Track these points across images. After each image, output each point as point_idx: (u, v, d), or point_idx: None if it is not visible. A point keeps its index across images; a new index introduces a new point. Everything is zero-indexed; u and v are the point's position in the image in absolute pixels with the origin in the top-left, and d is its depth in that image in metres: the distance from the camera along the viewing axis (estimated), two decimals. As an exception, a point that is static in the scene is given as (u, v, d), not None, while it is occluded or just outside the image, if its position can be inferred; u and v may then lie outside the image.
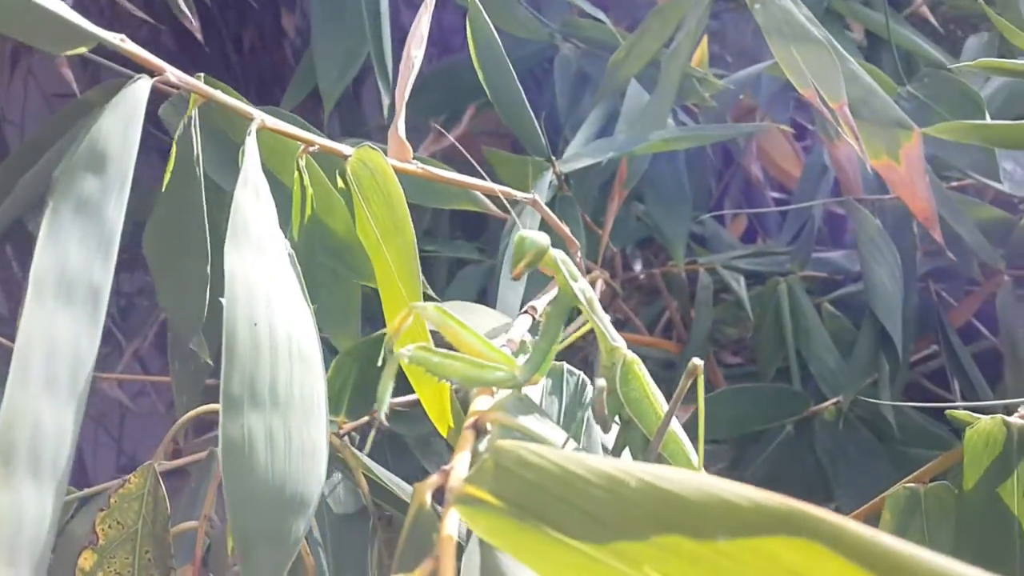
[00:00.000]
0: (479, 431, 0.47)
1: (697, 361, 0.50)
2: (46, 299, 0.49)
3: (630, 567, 0.32)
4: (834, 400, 1.16)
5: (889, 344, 1.13)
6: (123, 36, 0.55)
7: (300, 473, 0.52)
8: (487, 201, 0.86)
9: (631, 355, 0.54)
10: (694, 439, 0.55)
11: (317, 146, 0.64)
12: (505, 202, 0.76)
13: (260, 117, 0.60)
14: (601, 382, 0.51)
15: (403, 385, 1.16)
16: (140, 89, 0.55)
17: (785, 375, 1.23)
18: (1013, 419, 0.57)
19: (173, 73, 0.57)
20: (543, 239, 0.52)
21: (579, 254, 0.87)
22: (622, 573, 0.33)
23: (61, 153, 0.54)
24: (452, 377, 0.51)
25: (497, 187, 0.76)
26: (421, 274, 0.62)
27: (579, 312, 0.55)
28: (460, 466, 0.44)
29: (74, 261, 0.51)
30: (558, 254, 0.53)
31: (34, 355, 0.48)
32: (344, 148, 0.65)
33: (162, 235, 0.67)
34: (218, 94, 0.60)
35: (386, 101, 1.01)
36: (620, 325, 1.19)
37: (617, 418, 0.55)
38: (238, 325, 0.52)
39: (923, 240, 1.22)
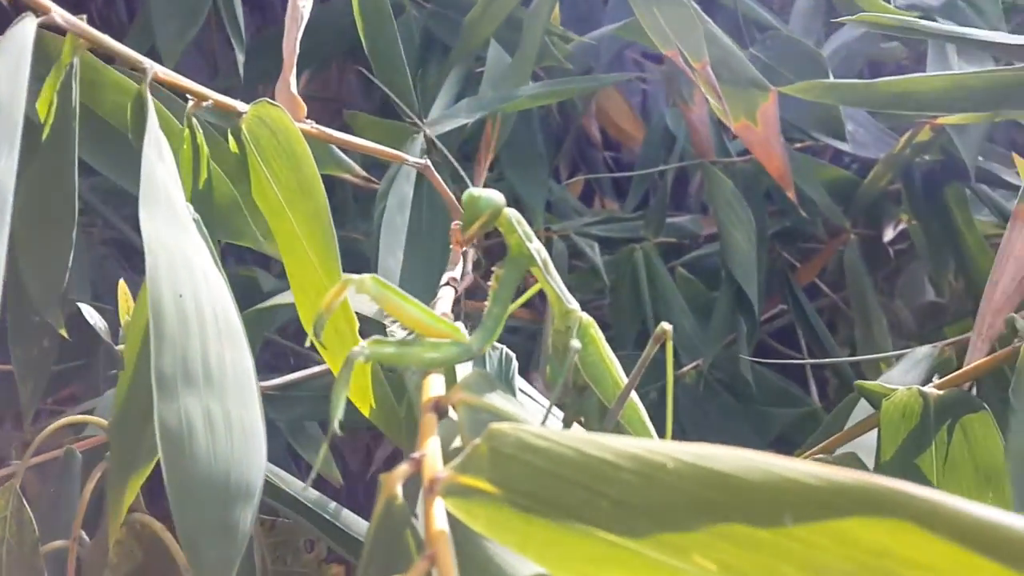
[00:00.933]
0: (440, 412, 0.45)
1: (666, 326, 0.49)
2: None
3: (675, 557, 0.30)
4: (694, 364, 1.20)
5: (746, 305, 1.18)
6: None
7: (243, 458, 0.48)
8: (356, 167, 0.83)
9: (587, 317, 0.53)
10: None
11: (211, 101, 0.59)
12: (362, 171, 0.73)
13: (152, 66, 0.55)
14: (576, 343, 0.49)
15: (274, 365, 1.11)
16: (25, 30, 0.49)
17: (642, 341, 1.26)
18: (929, 389, 0.60)
19: (59, 13, 0.51)
20: (499, 197, 0.50)
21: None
22: (664, 564, 0.30)
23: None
24: (413, 365, 0.48)
25: (390, 151, 0.73)
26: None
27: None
28: (432, 452, 0.41)
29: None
30: (512, 213, 0.51)
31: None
32: (238, 104, 0.61)
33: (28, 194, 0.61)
34: (107, 39, 0.54)
35: (240, 58, 0.95)
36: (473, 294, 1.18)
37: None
38: (163, 296, 0.47)
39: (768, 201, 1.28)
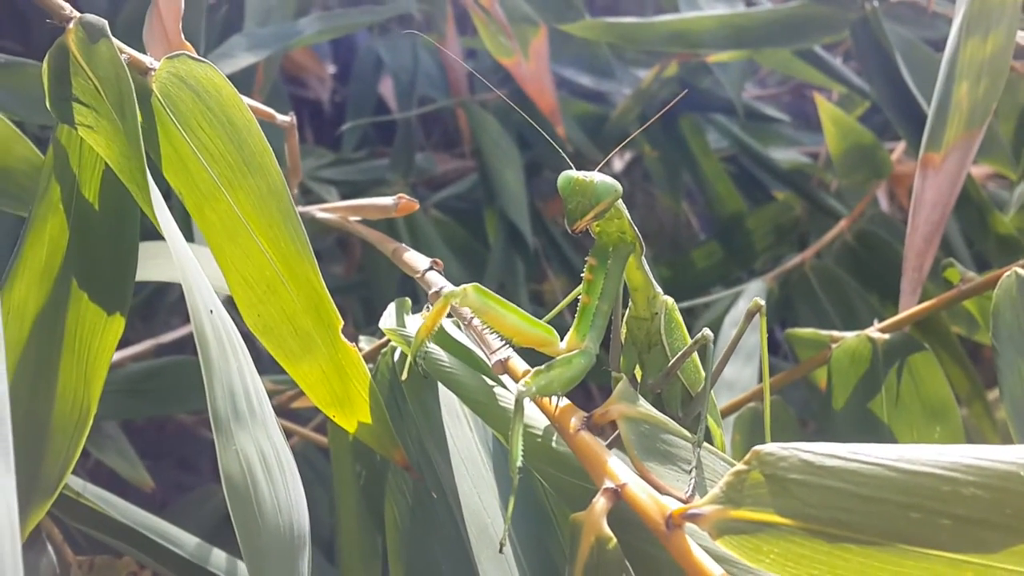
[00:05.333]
0: (593, 429, 0.41)
1: (760, 301, 0.48)
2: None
3: None
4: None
5: (520, 243, 1.19)
6: None
7: (296, 503, 0.42)
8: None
9: (671, 301, 0.51)
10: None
11: (126, 55, 0.48)
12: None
13: (93, 19, 0.44)
14: (709, 332, 0.46)
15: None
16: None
17: (402, 292, 1.23)
18: (875, 334, 0.65)
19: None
20: (614, 182, 0.46)
21: (297, 186, 0.78)
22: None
23: None
24: (561, 388, 0.43)
25: (260, 107, 0.65)
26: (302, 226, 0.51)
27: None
28: (634, 482, 0.37)
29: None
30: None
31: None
32: (146, 59, 0.50)
33: None
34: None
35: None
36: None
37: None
38: (202, 316, 0.39)
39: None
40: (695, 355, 0.51)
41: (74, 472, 0.70)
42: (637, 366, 0.51)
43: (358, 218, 0.66)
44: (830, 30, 0.98)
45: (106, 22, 0.44)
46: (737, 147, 1.27)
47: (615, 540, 0.35)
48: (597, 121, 1.29)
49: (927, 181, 0.64)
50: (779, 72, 1.32)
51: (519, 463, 0.40)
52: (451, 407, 0.51)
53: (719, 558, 0.34)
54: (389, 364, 0.55)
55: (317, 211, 0.70)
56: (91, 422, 0.53)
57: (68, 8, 0.44)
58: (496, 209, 1.20)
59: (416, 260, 0.56)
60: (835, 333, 0.65)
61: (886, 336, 0.64)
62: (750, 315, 0.49)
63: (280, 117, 0.67)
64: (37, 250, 0.51)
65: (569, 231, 0.47)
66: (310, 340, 0.51)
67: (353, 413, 0.52)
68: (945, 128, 0.65)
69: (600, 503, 0.36)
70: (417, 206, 0.62)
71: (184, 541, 0.67)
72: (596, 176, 0.47)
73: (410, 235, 1.21)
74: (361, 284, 1.25)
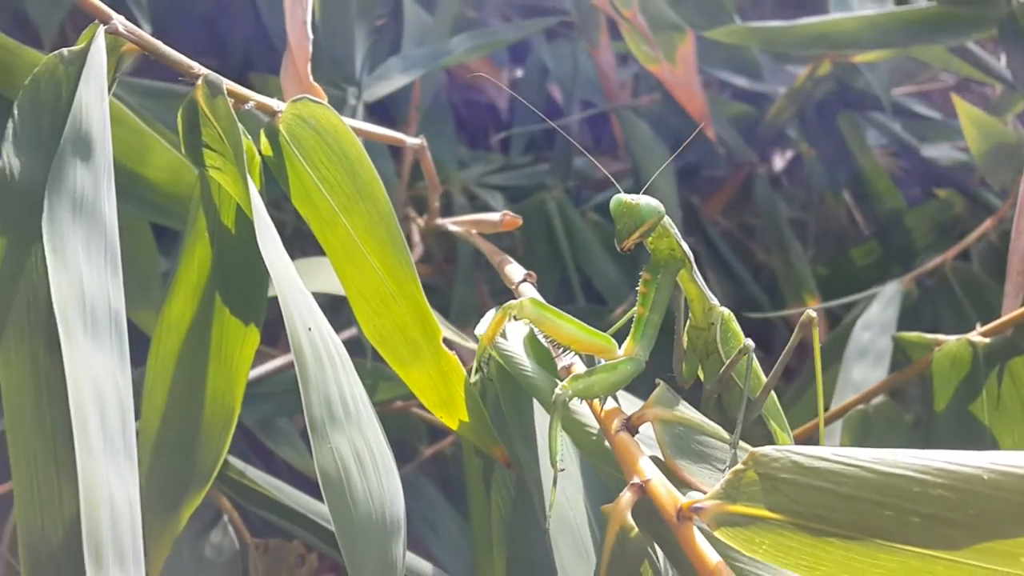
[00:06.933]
0: (631, 431, 0.46)
1: (812, 313, 0.52)
2: (77, 335, 0.40)
3: (1002, 563, 0.33)
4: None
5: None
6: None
7: (390, 494, 0.48)
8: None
9: (727, 311, 0.55)
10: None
11: (253, 102, 0.56)
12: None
13: (214, 76, 0.52)
14: (750, 342, 0.51)
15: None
16: (100, 45, 0.46)
17: (564, 293, 1.28)
18: (977, 338, 0.66)
19: (121, 23, 0.47)
20: (658, 204, 0.51)
21: (438, 200, 0.85)
22: (989, 570, 0.33)
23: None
24: (603, 392, 0.48)
25: (389, 133, 0.72)
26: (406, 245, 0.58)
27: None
28: (657, 478, 0.42)
29: (89, 282, 0.42)
30: (665, 216, 0.52)
31: (88, 410, 0.39)
32: (274, 103, 0.58)
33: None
34: (162, 46, 0.51)
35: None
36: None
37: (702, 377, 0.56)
38: (299, 332, 0.46)
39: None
40: (755, 362, 0.54)
41: (250, 463, 0.80)
42: (700, 372, 0.55)
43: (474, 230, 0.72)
44: (976, 28, 0.98)
45: (224, 80, 0.52)
46: (896, 144, 1.27)
47: (637, 530, 0.40)
48: (751, 121, 1.31)
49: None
50: (935, 68, 1.30)
51: (558, 457, 0.45)
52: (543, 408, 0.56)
53: (724, 548, 0.38)
54: (493, 368, 0.61)
55: (449, 224, 0.77)
56: (236, 420, 0.61)
57: (196, 66, 0.52)
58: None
59: (514, 272, 0.62)
60: (939, 336, 0.66)
61: (987, 340, 0.65)
62: (803, 327, 0.52)
63: (410, 141, 0.74)
64: (189, 272, 0.60)
65: (619, 249, 0.52)
66: (418, 348, 0.58)
67: (456, 413, 0.59)
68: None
69: (626, 496, 0.41)
70: (520, 222, 0.67)
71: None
72: (642, 199, 0.51)
73: (567, 238, 1.27)
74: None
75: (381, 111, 1.15)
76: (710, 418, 0.51)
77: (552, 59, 1.38)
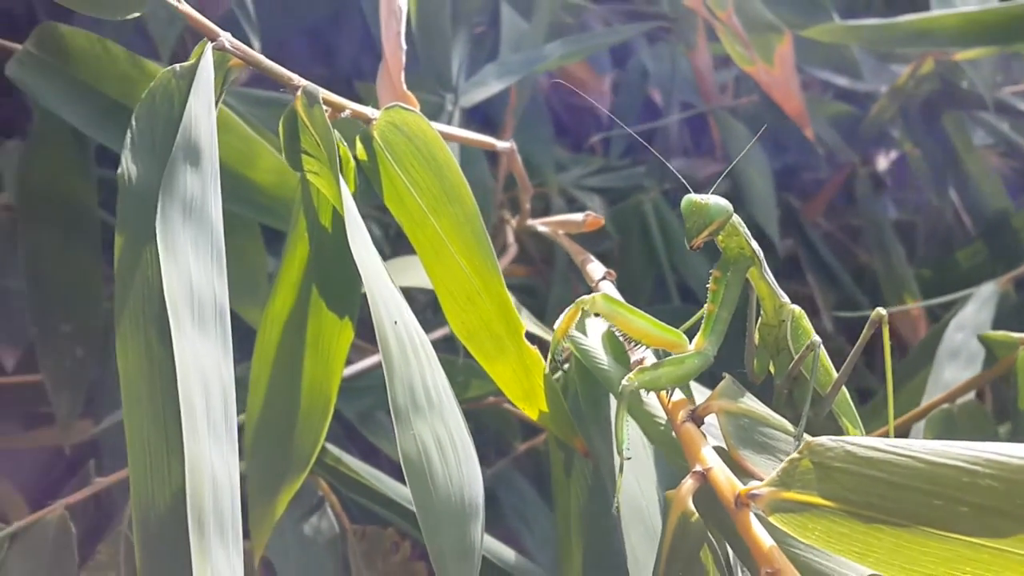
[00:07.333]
0: (697, 422, 0.48)
1: (882, 311, 0.53)
2: (186, 326, 0.44)
3: None
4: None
5: (766, 245, 1.24)
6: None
7: (469, 479, 0.51)
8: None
9: (798, 309, 0.57)
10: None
11: (348, 111, 0.60)
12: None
13: (311, 87, 0.56)
14: (817, 338, 0.53)
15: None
16: (208, 61, 0.50)
17: (660, 294, 1.30)
18: None
19: (227, 39, 0.52)
20: (726, 203, 0.54)
21: (529, 201, 0.88)
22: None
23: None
24: (670, 384, 0.51)
25: (480, 137, 0.75)
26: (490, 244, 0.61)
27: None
28: (718, 466, 0.44)
29: (197, 278, 0.46)
30: (734, 215, 0.55)
31: (195, 395, 0.43)
32: (368, 110, 0.62)
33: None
34: (265, 61, 0.55)
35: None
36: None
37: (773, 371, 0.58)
38: (385, 325, 0.50)
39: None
40: (825, 358, 0.56)
41: (351, 453, 0.85)
42: (771, 369, 0.57)
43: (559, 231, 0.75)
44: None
45: (320, 90, 0.56)
46: (1004, 144, 1.25)
47: (697, 515, 0.42)
48: (852, 121, 1.31)
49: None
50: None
51: (624, 446, 0.48)
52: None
53: (779, 534, 0.40)
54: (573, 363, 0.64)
55: (538, 225, 0.80)
56: (332, 410, 0.65)
57: (295, 78, 0.56)
58: (745, 213, 1.25)
59: (595, 270, 0.65)
60: (1017, 335, 0.66)
61: (1072, 338, 0.65)
62: (872, 324, 0.53)
63: (500, 145, 0.77)
64: (290, 270, 0.64)
65: (688, 247, 0.54)
66: (502, 343, 0.61)
67: (537, 405, 0.62)
68: None
69: (688, 483, 0.43)
70: (602, 222, 0.70)
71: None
72: (711, 199, 0.53)
73: (663, 239, 1.29)
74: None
75: (480, 116, 1.19)
76: (781, 413, 0.53)
77: (652, 61, 1.40)
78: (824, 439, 0.39)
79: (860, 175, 1.30)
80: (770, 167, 1.27)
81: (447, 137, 0.73)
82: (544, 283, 1.24)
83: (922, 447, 0.37)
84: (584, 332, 0.61)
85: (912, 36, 1.07)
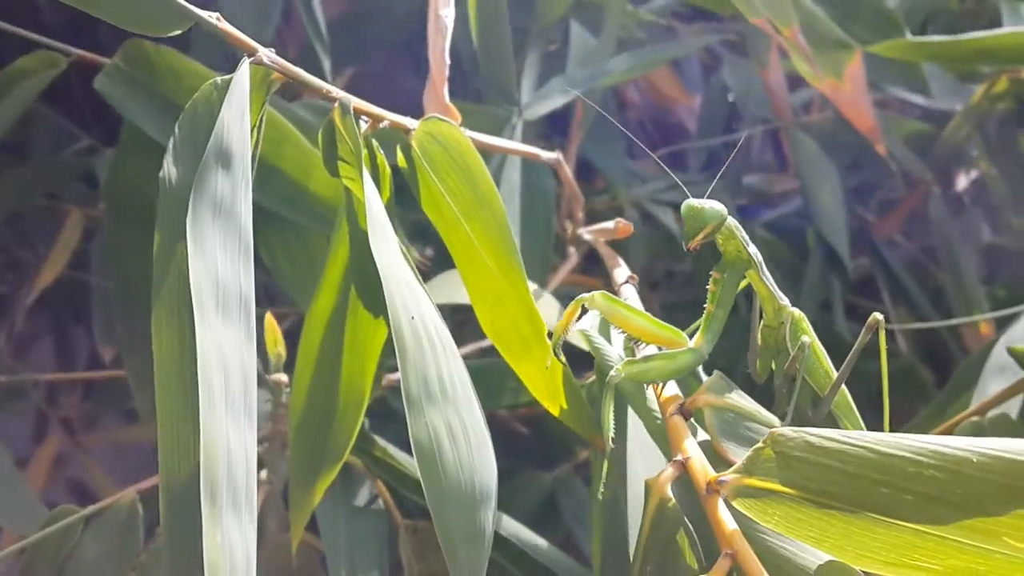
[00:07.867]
0: (685, 415, 0.51)
1: (878, 315, 0.55)
2: (208, 313, 0.49)
3: (984, 541, 0.37)
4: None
5: (836, 262, 1.24)
6: (218, 15, 0.55)
7: (480, 466, 0.54)
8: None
9: (798, 312, 0.59)
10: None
11: (387, 121, 0.64)
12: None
13: (345, 97, 0.60)
14: (807, 339, 0.55)
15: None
16: (243, 74, 0.55)
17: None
18: None
19: (265, 54, 0.56)
20: (722, 208, 0.56)
21: (582, 210, 0.91)
22: (972, 547, 0.37)
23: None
24: (660, 378, 0.53)
25: (525, 148, 0.79)
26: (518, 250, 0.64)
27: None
28: (696, 456, 0.47)
29: (223, 270, 0.50)
30: (730, 219, 0.57)
31: (213, 375, 0.48)
32: (407, 121, 0.66)
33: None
34: (303, 74, 0.59)
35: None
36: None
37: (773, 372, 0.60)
38: (401, 319, 0.53)
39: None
40: (824, 360, 0.58)
41: (404, 449, 0.89)
42: (773, 368, 0.59)
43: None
44: None
45: (353, 100, 0.60)
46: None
47: (674, 501, 0.45)
48: (927, 140, 1.30)
49: None
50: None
51: (610, 435, 0.50)
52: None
53: (744, 520, 0.42)
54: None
55: (585, 233, 0.83)
56: (366, 405, 0.69)
57: (333, 90, 0.60)
58: (815, 230, 1.25)
59: (620, 274, 0.67)
60: (1047, 347, 0.66)
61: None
62: (868, 329, 0.54)
63: (545, 155, 0.80)
64: (333, 272, 0.69)
65: (686, 248, 0.56)
66: (528, 343, 0.64)
67: (560, 402, 0.65)
68: None
69: (667, 471, 0.46)
70: (631, 229, 0.73)
71: (502, 522, 0.82)
72: (706, 203, 0.56)
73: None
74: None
75: (548, 128, 1.22)
76: (783, 412, 0.55)
77: (731, 77, 1.42)
78: (786, 429, 0.41)
79: (933, 194, 1.29)
80: (843, 185, 1.27)
81: (495, 148, 0.76)
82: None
83: (875, 438, 0.39)
84: (608, 335, 0.64)
85: (980, 53, 1.07)
